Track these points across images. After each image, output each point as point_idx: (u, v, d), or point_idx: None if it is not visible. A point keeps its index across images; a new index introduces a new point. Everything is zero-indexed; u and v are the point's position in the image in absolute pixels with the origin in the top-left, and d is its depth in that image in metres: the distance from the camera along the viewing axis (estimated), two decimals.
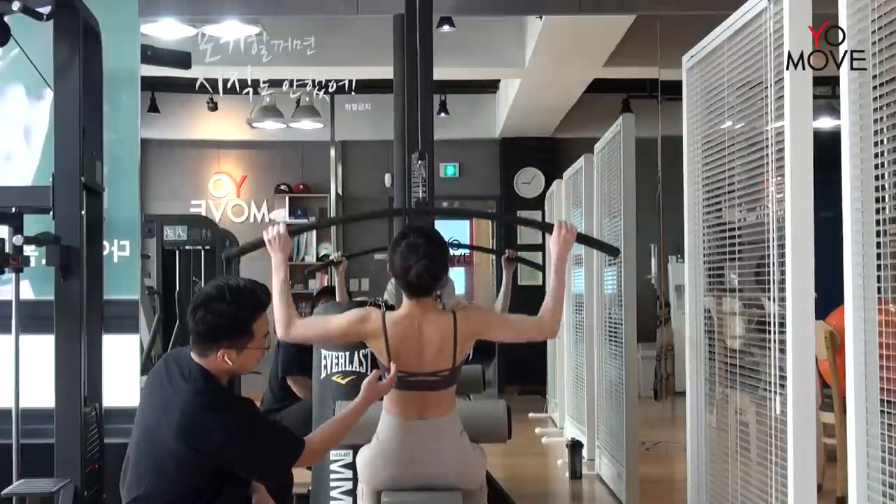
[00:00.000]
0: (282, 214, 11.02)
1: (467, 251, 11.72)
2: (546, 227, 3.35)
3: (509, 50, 8.27)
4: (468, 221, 11.85)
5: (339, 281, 5.49)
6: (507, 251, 4.79)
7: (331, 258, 5.81)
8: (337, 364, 3.96)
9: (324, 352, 4.02)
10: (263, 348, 2.90)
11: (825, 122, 7.71)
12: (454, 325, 3.09)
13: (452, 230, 11.77)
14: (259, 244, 3.25)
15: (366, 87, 7.81)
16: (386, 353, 3.09)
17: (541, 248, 10.15)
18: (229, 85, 6.65)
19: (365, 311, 3.15)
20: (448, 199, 11.27)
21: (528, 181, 10.85)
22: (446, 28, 7.19)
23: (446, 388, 3.14)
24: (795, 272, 3.05)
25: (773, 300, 3.24)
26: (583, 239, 3.48)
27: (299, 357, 4.82)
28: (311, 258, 11.01)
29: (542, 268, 6.85)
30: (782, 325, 3.16)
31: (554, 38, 7.33)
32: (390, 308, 3.36)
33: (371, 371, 3.73)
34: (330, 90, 7.24)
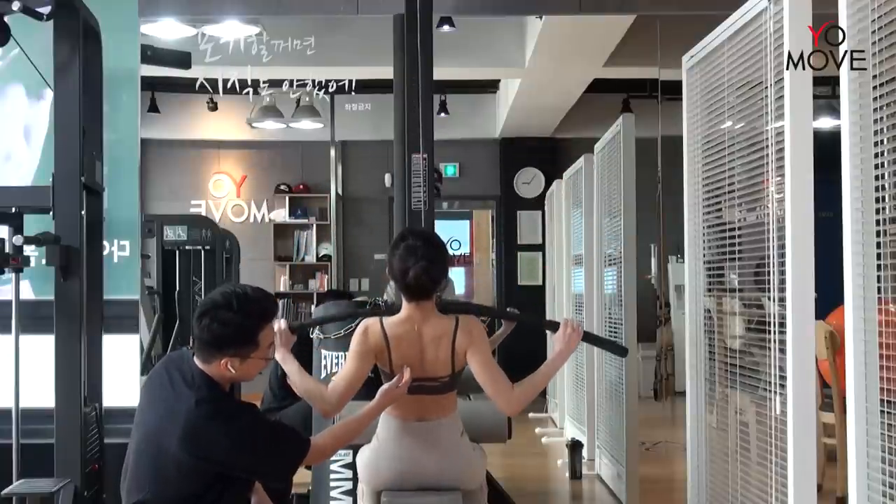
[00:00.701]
0: (282, 214, 11.03)
1: (467, 251, 11.73)
2: (551, 326, 3.28)
3: (509, 50, 8.27)
4: (468, 221, 11.85)
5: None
6: (508, 310, 4.77)
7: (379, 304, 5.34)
8: (337, 364, 3.96)
9: (324, 352, 4.02)
10: (267, 358, 2.88)
11: (825, 122, 7.71)
12: (454, 330, 3.08)
13: (452, 231, 11.79)
14: None
15: (366, 87, 7.81)
16: (388, 364, 3.09)
17: (541, 247, 10.17)
18: (229, 85, 6.65)
19: (363, 327, 3.13)
20: (448, 199, 11.29)
21: (528, 181, 10.85)
22: (446, 28, 7.19)
23: (447, 392, 3.14)
24: (795, 272, 3.05)
25: (773, 300, 3.24)
26: (589, 338, 3.45)
27: (299, 351, 4.83)
28: (311, 258, 11.02)
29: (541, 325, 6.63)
30: (782, 325, 3.16)
31: (554, 38, 7.33)
32: (390, 309, 3.34)
33: (372, 372, 3.74)
34: (330, 90, 7.24)
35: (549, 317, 9.10)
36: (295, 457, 2.85)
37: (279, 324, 3.12)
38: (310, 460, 2.92)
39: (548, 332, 3.28)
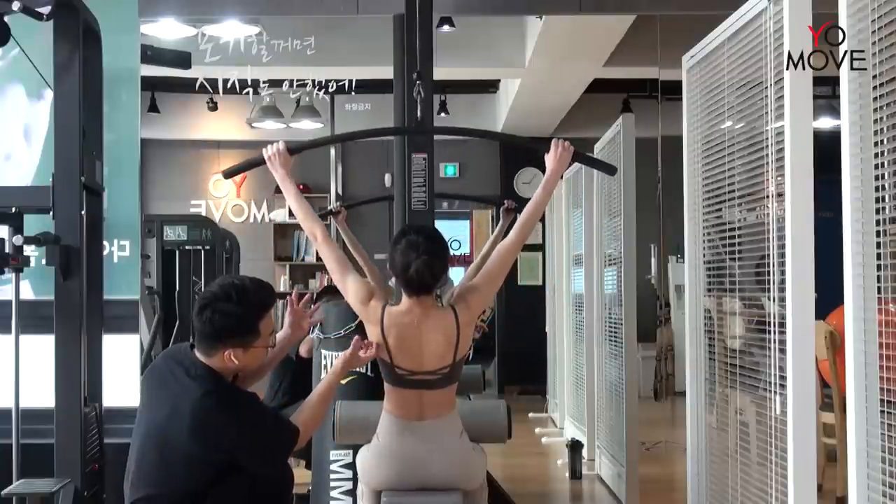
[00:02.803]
0: (282, 214, 11.03)
1: (467, 251, 11.72)
2: (542, 144, 3.38)
3: (509, 50, 8.26)
4: (468, 221, 11.84)
5: (344, 231, 5.40)
6: (506, 202, 4.77)
7: (329, 208, 5.74)
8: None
9: (324, 352, 4.01)
10: (269, 346, 2.95)
11: (825, 122, 7.71)
12: (455, 319, 3.10)
13: (453, 230, 11.78)
14: (259, 161, 3.33)
15: (366, 87, 7.81)
16: (387, 354, 3.09)
17: (541, 247, 10.16)
18: (229, 85, 6.65)
19: (370, 292, 3.17)
20: (448, 198, 11.27)
21: (528, 181, 10.84)
22: (446, 28, 7.19)
23: (446, 386, 3.14)
24: (795, 272, 3.05)
25: (773, 300, 3.25)
26: (580, 157, 3.53)
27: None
28: (310, 258, 11.02)
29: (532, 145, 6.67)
30: (782, 325, 3.16)
31: (554, 38, 7.33)
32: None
33: (371, 372, 3.74)
34: (330, 90, 7.24)
35: (549, 317, 9.11)
36: (290, 439, 2.92)
37: (277, 145, 3.26)
38: (301, 439, 2.97)
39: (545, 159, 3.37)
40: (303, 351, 4.91)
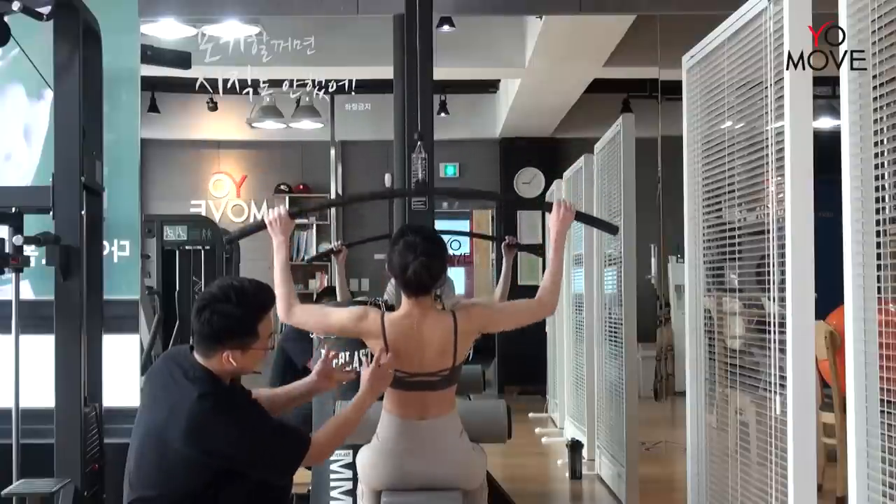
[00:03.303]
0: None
1: (467, 251, 11.72)
2: (545, 206, 3.37)
3: (509, 50, 8.26)
4: (468, 221, 11.85)
5: (340, 270, 5.46)
6: (506, 238, 4.79)
7: (331, 248, 5.79)
8: (337, 364, 3.95)
9: (324, 352, 4.01)
10: (268, 348, 2.92)
11: (825, 122, 7.71)
12: (454, 324, 3.09)
13: (452, 229, 11.75)
14: (260, 226, 3.29)
15: (366, 87, 7.81)
16: (385, 350, 3.09)
17: (541, 247, 10.16)
18: (229, 85, 6.65)
19: (364, 310, 3.16)
20: (448, 198, 11.27)
21: (528, 181, 10.85)
22: (446, 28, 7.19)
23: (447, 387, 3.14)
24: (795, 272, 3.05)
25: (773, 300, 3.24)
26: (582, 217, 3.50)
27: (302, 347, 4.87)
28: (311, 257, 11.02)
29: (542, 254, 6.83)
30: (782, 325, 3.16)
31: (554, 38, 7.33)
32: (390, 308, 3.36)
33: None
34: (330, 90, 7.24)
35: (549, 318, 9.11)
36: (297, 452, 2.87)
37: (278, 210, 3.22)
38: (312, 457, 2.93)
39: (546, 213, 3.35)
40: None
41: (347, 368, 3.33)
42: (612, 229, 3.93)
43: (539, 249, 7.59)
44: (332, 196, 10.62)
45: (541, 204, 3.44)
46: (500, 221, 11.02)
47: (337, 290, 5.49)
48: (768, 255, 3.28)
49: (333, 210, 10.72)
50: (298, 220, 3.37)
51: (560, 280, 3.26)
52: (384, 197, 4.34)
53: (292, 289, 3.20)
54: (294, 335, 5.02)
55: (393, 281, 3.27)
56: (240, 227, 3.51)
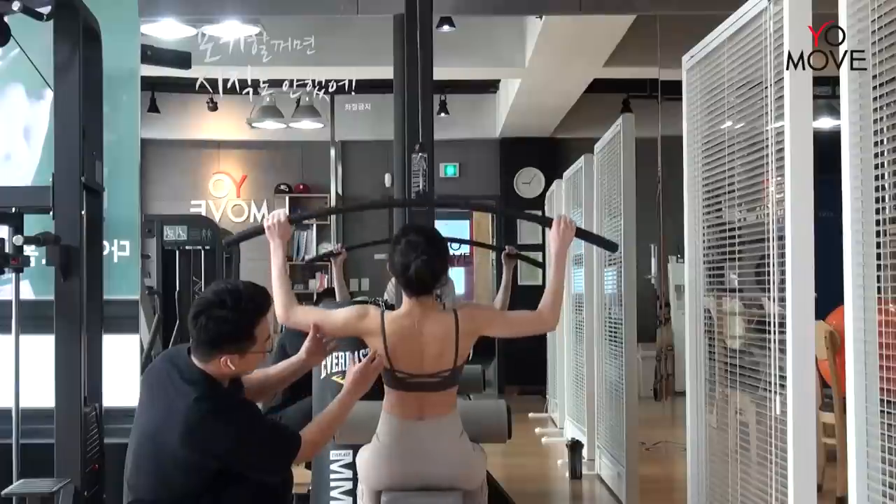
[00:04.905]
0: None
1: (467, 250, 11.72)
2: (545, 222, 3.38)
3: (509, 50, 8.27)
4: (468, 222, 11.86)
5: (338, 273, 5.46)
6: (507, 248, 4.81)
7: (330, 250, 5.80)
8: (337, 364, 3.96)
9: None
10: (265, 351, 2.92)
11: (825, 122, 7.71)
12: (456, 324, 3.09)
13: (452, 230, 11.77)
14: (259, 231, 3.30)
15: (366, 87, 7.81)
16: (384, 353, 3.09)
17: (541, 247, 10.16)
18: (229, 85, 6.64)
19: (364, 309, 3.16)
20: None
21: (528, 181, 10.85)
22: (446, 28, 7.19)
23: (447, 389, 3.14)
24: (795, 272, 3.05)
25: (773, 300, 3.24)
26: (582, 234, 3.49)
27: (302, 343, 4.85)
28: (310, 257, 11.01)
29: (542, 265, 6.84)
30: (782, 325, 3.16)
31: (554, 38, 7.33)
32: (390, 308, 3.36)
33: None
34: (330, 90, 7.23)
35: None
36: (289, 450, 2.89)
37: (278, 215, 3.22)
38: (304, 453, 2.95)
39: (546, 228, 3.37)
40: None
41: (329, 347, 3.31)
42: (611, 247, 3.93)
43: (539, 259, 7.61)
44: (332, 196, 10.62)
45: (541, 220, 3.44)
46: (501, 222, 11.02)
47: (336, 291, 5.49)
48: (768, 255, 3.28)
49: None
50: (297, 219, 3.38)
51: (561, 297, 3.26)
52: (383, 206, 4.36)
53: (290, 291, 3.21)
54: (295, 330, 5.01)
55: (393, 281, 3.27)
56: (239, 231, 3.52)
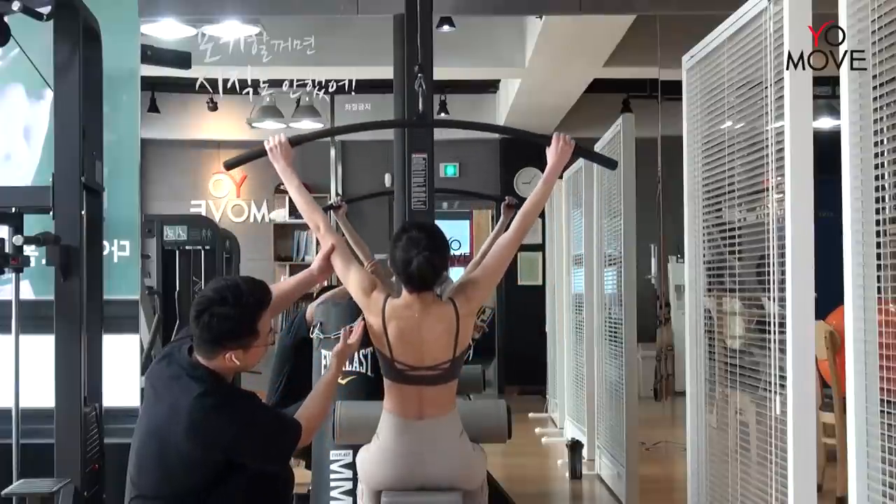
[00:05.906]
0: (282, 214, 11.02)
1: (467, 251, 11.71)
2: (544, 139, 3.39)
3: (509, 50, 8.27)
4: (468, 221, 11.85)
5: (345, 224, 5.39)
6: (507, 198, 4.82)
7: (330, 203, 5.73)
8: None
9: (324, 352, 4.01)
10: (269, 345, 2.97)
11: (825, 122, 7.71)
12: (455, 311, 3.10)
13: (453, 230, 11.78)
14: (261, 153, 3.38)
15: (366, 87, 7.80)
16: (387, 347, 3.09)
17: (541, 247, 10.16)
18: (229, 85, 6.64)
19: (374, 284, 3.18)
20: (449, 197, 11.27)
21: (528, 181, 10.84)
22: (446, 28, 7.19)
23: (446, 382, 3.13)
24: (795, 272, 3.05)
25: (773, 300, 3.24)
26: (581, 152, 3.53)
27: (301, 350, 4.85)
28: (310, 258, 11.01)
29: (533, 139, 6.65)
30: (782, 325, 3.16)
31: (554, 38, 7.33)
32: None
33: (371, 372, 3.75)
34: (330, 90, 7.23)
35: (549, 317, 9.11)
36: (292, 438, 2.93)
37: (279, 136, 3.30)
38: (303, 439, 2.98)
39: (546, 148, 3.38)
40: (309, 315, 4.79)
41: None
42: (611, 164, 3.98)
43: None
44: (332, 196, 10.61)
45: (540, 138, 3.44)
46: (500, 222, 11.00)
47: (352, 245, 5.31)
48: (768, 255, 3.28)
49: (333, 214, 10.69)
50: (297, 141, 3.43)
51: (538, 210, 3.32)
52: (382, 127, 4.31)
53: (318, 208, 3.32)
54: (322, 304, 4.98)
55: (394, 278, 3.27)
56: (239, 155, 3.56)
